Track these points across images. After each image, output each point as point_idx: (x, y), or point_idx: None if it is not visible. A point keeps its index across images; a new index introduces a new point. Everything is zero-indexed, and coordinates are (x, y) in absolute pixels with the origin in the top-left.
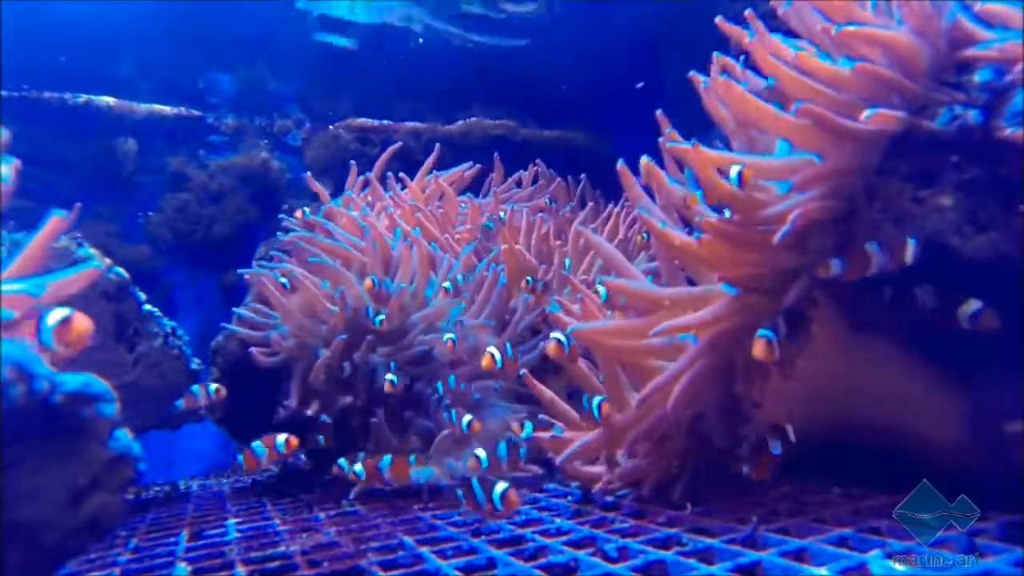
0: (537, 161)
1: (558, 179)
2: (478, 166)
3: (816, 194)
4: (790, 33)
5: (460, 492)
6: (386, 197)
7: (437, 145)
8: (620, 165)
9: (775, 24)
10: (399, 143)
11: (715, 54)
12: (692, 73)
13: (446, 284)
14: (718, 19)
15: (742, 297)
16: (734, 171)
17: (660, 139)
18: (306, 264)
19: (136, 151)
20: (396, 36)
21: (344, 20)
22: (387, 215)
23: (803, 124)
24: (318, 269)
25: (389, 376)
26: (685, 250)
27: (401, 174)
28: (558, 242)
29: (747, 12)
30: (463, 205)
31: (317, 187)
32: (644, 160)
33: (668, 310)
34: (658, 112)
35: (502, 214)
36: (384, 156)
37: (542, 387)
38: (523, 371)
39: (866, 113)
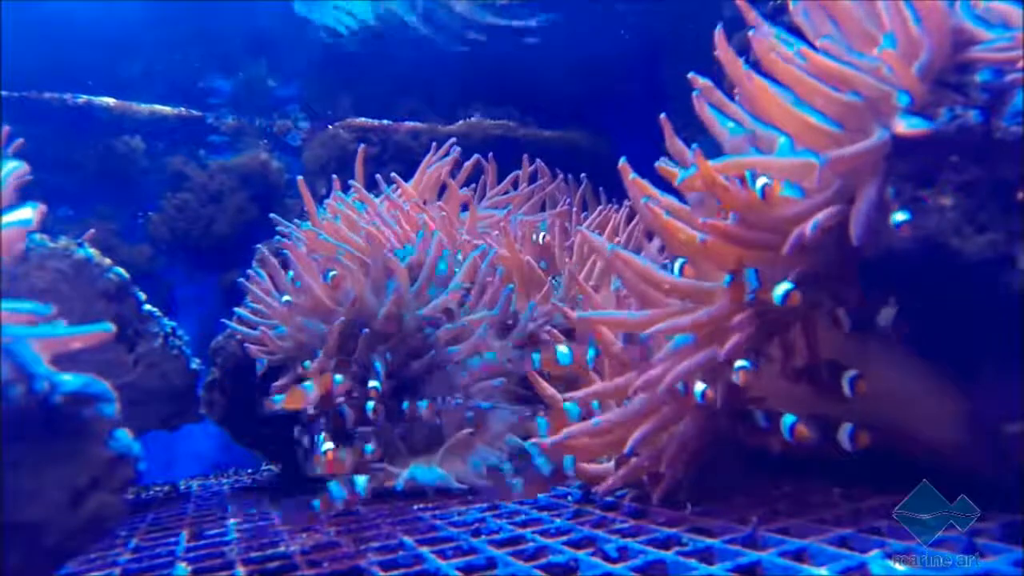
0: (537, 161)
1: (547, 178)
2: (475, 157)
3: (824, 200)
4: (793, 29)
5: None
6: (373, 201)
7: (434, 144)
8: (622, 163)
9: (781, 20)
10: (364, 145)
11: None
12: (692, 74)
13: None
14: None
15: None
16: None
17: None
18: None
19: (144, 149)
20: (396, 35)
21: (343, 20)
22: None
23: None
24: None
25: (372, 383)
26: (689, 246)
27: (393, 174)
28: (566, 259)
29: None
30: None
31: (304, 192)
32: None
33: (667, 294)
34: (662, 116)
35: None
36: (359, 162)
37: (545, 384)
38: (527, 368)
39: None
